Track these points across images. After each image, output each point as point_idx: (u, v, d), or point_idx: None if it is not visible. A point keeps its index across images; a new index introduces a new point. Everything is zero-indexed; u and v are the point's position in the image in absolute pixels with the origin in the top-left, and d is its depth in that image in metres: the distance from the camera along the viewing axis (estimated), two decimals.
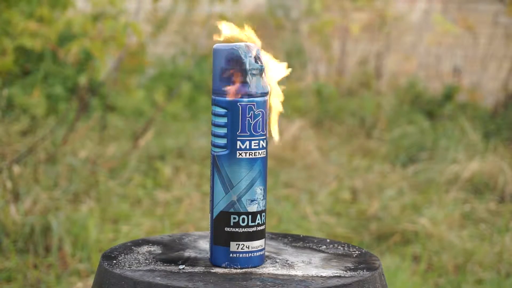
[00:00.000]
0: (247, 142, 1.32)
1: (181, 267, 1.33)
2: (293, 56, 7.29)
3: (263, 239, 1.35)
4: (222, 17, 4.62)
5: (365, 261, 1.39)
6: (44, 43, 4.58)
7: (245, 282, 1.27)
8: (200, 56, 6.33)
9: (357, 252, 1.45)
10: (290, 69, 1.38)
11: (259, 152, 1.33)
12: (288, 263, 1.37)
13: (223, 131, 1.32)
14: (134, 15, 5.33)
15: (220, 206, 1.33)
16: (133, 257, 1.38)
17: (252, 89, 1.31)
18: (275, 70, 1.36)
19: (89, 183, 3.89)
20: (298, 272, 1.32)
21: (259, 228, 1.34)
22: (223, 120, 1.32)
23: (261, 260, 1.35)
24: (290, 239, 1.52)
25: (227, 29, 1.34)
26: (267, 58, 1.35)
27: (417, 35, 7.18)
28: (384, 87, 6.94)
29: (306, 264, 1.37)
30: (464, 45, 6.89)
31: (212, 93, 1.34)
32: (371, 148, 5.27)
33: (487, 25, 6.77)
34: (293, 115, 5.91)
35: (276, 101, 1.35)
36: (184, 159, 4.62)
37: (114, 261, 1.35)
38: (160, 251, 1.42)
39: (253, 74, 1.32)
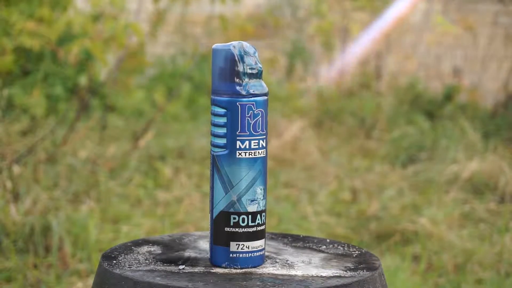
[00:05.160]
0: (247, 142, 1.32)
1: (181, 267, 1.33)
2: (295, 56, 7.29)
3: (263, 239, 1.35)
4: (222, 17, 4.62)
5: (365, 261, 1.39)
6: (43, 43, 4.58)
7: (245, 282, 1.27)
8: (200, 56, 6.33)
9: (357, 252, 1.45)
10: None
11: (259, 152, 1.33)
12: (288, 263, 1.37)
13: (222, 131, 1.32)
14: (134, 15, 5.33)
15: (220, 206, 1.33)
16: (133, 257, 1.38)
17: (251, 88, 1.32)
18: None
19: (89, 183, 3.89)
20: (298, 272, 1.32)
21: (259, 228, 1.34)
22: (223, 120, 1.32)
23: (261, 260, 1.35)
24: (290, 239, 1.52)
25: None
26: None
27: (417, 35, 7.18)
28: (384, 87, 6.94)
29: (306, 264, 1.37)
30: (464, 45, 6.89)
31: (212, 93, 1.34)
32: (371, 148, 5.28)
33: (487, 25, 6.78)
34: (293, 116, 5.91)
35: None
36: (184, 159, 4.62)
37: (114, 261, 1.35)
38: (160, 251, 1.42)
39: (252, 74, 1.32)
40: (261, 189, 1.33)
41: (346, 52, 7.05)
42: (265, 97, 1.33)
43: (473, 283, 3.09)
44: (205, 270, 1.32)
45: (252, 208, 1.33)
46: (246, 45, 1.33)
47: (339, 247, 1.48)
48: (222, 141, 1.32)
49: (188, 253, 1.41)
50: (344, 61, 7.01)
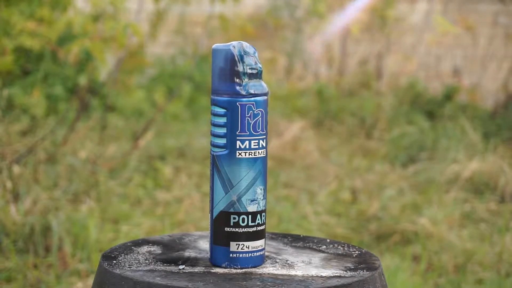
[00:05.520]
0: (247, 142, 1.32)
1: (181, 267, 1.33)
2: (294, 56, 7.29)
3: (263, 239, 1.35)
4: (223, 18, 4.62)
5: (365, 261, 1.39)
6: (43, 43, 4.58)
7: (245, 282, 1.26)
8: (201, 56, 6.33)
9: (357, 252, 1.45)
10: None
11: (259, 152, 1.33)
12: (288, 263, 1.37)
13: (222, 131, 1.32)
14: (134, 15, 5.33)
15: (220, 206, 1.33)
16: (133, 257, 1.38)
17: (251, 88, 1.32)
18: None
19: (89, 183, 3.89)
20: (298, 272, 1.32)
21: (259, 228, 1.34)
22: (223, 120, 1.32)
23: (261, 260, 1.35)
24: (290, 239, 1.52)
25: None
26: None
27: (417, 35, 7.18)
28: (384, 87, 6.94)
29: (306, 264, 1.37)
30: (464, 45, 6.89)
31: (212, 93, 1.34)
32: (371, 148, 5.27)
33: (487, 25, 6.78)
34: (293, 115, 5.91)
35: None
36: (185, 159, 4.62)
37: (114, 261, 1.35)
38: (160, 251, 1.42)
39: (252, 74, 1.32)
40: (261, 189, 1.33)
41: (333, 23, 7.02)
42: (265, 97, 1.33)
43: (473, 283, 3.09)
44: (205, 270, 1.32)
45: (252, 208, 1.33)
46: (246, 45, 1.33)
47: (339, 247, 1.48)
48: (222, 141, 1.32)
49: (188, 253, 1.41)
50: (332, 30, 6.99)
